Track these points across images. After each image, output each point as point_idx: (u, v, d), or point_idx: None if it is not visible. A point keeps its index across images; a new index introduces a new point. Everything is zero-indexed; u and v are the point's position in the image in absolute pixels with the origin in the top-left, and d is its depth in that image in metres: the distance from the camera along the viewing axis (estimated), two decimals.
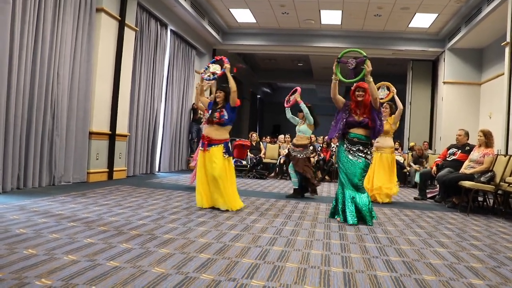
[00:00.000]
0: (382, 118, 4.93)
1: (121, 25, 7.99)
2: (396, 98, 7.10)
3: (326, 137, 13.12)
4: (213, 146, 5.12)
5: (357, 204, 4.83)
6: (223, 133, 5.17)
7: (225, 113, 5.14)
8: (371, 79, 4.81)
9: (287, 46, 13.05)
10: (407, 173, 10.72)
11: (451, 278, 2.90)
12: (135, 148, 9.05)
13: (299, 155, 7.03)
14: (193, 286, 2.44)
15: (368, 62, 4.80)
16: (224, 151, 5.12)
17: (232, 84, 5.16)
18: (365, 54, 4.88)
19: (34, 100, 6.01)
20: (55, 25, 6.38)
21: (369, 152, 4.92)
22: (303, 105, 6.96)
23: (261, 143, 12.13)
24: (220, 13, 11.67)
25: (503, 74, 8.21)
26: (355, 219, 4.78)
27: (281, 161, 11.00)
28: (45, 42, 6.17)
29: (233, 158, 10.79)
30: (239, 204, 5.33)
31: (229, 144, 5.24)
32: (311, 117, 7.01)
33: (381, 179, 6.98)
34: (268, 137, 14.23)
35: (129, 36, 8.33)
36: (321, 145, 12.42)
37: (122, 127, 8.29)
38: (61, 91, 6.60)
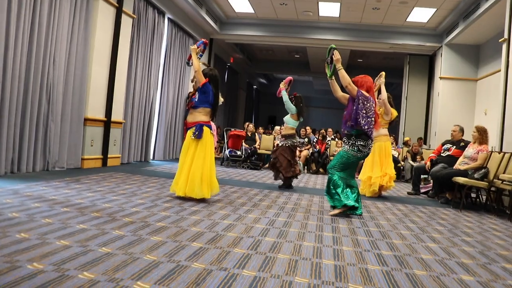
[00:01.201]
0: (362, 109, 4.83)
1: (119, 12, 7.91)
2: (382, 88, 7.00)
3: (323, 130, 13.15)
4: (188, 130, 5.05)
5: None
6: (196, 116, 5.04)
7: (196, 96, 5.08)
8: (340, 67, 4.91)
9: (285, 37, 12.98)
10: (401, 167, 10.76)
11: (441, 274, 2.93)
12: (130, 135, 9.01)
13: (281, 143, 7.09)
14: (184, 274, 2.44)
15: (335, 52, 4.93)
16: (194, 132, 4.96)
17: (194, 64, 5.09)
18: (334, 46, 5.00)
19: (29, 84, 5.96)
20: (52, 9, 6.30)
21: (351, 143, 4.91)
22: (283, 93, 6.91)
23: (256, 134, 12.13)
24: (218, 2, 11.58)
25: (499, 70, 8.23)
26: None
27: None
28: (42, 26, 6.10)
29: (227, 148, 10.92)
30: (200, 192, 4.87)
31: (204, 126, 4.99)
32: (291, 106, 6.91)
33: (368, 170, 6.98)
34: (261, 128, 14.15)
35: (126, 23, 8.26)
36: (316, 137, 12.44)
37: (117, 114, 8.24)
38: (56, 77, 6.54)
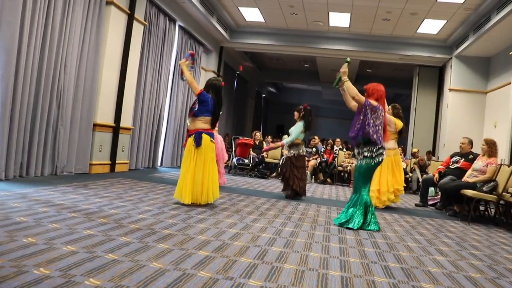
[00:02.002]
0: (370, 118, 4.81)
1: (130, 19, 7.99)
2: None
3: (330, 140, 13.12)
4: (189, 138, 5.15)
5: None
6: (196, 124, 5.15)
7: (196, 105, 5.18)
8: (346, 79, 4.89)
9: (295, 46, 13.02)
10: (409, 179, 10.69)
11: (449, 287, 2.90)
12: (138, 141, 9.06)
13: (286, 153, 7.17)
14: (190, 283, 2.43)
15: (344, 65, 4.92)
16: (194, 140, 5.07)
17: (187, 77, 5.18)
18: (348, 60, 4.99)
19: (40, 89, 6.02)
20: (65, 15, 6.38)
21: (361, 153, 4.89)
22: (285, 143, 7.10)
23: (264, 143, 12.14)
24: (228, 11, 11.66)
25: (509, 83, 8.19)
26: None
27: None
28: (54, 32, 6.17)
29: (235, 156, 10.93)
30: (203, 198, 5.07)
31: (203, 134, 5.08)
32: (296, 131, 6.97)
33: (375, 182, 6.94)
34: (270, 136, 14.18)
35: (138, 30, 8.34)
36: (324, 147, 12.41)
37: (126, 120, 8.29)
38: (67, 82, 6.60)
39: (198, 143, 5.03)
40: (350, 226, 4.73)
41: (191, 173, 5.00)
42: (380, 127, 4.81)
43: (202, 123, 5.15)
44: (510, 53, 7.93)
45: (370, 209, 4.85)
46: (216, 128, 7.09)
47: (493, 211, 6.86)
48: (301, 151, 7.03)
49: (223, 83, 5.53)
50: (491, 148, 6.57)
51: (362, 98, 4.81)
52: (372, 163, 4.84)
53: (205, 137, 5.09)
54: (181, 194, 5.04)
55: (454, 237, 4.92)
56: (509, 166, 6.38)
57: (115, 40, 7.70)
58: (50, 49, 6.14)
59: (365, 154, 4.82)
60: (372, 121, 4.75)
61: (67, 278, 2.28)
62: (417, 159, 11.02)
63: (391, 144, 6.97)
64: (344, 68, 4.90)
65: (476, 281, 3.13)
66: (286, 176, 6.99)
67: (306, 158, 10.70)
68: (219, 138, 7.17)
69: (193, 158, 5.04)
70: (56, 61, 6.30)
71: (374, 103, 4.81)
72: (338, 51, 12.77)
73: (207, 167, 5.10)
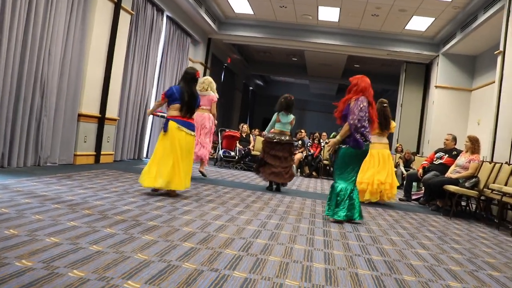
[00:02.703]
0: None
1: (117, 8, 7.87)
2: None
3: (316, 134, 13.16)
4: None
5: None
6: (169, 112, 5.30)
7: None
8: (338, 139, 4.88)
9: (283, 40, 12.99)
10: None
11: (430, 280, 2.95)
12: (124, 132, 8.98)
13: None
14: (175, 274, 2.44)
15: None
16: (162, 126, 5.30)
17: (156, 110, 6.17)
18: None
19: (23, 78, 5.89)
20: (49, 2, 6.24)
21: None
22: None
23: (251, 135, 12.13)
24: (217, 2, 11.58)
25: (494, 82, 8.29)
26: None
27: None
28: (38, 19, 6.03)
29: (221, 149, 10.91)
30: (147, 181, 5.00)
31: (170, 121, 5.15)
32: (272, 120, 7.12)
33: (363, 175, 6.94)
34: (257, 129, 14.19)
35: (125, 19, 8.22)
36: (310, 141, 12.45)
37: (112, 111, 8.21)
38: (51, 71, 6.48)
39: (164, 128, 5.18)
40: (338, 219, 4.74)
41: (157, 157, 5.08)
42: (364, 118, 4.74)
43: (172, 111, 5.25)
44: (495, 52, 8.01)
45: (339, 198, 4.78)
46: (213, 113, 7.26)
47: (474, 206, 6.98)
48: (273, 137, 6.99)
49: (198, 72, 5.47)
50: (474, 145, 6.68)
51: (346, 129, 4.76)
52: (357, 150, 4.76)
53: (171, 123, 5.16)
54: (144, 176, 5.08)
55: (436, 231, 5.00)
56: (490, 163, 6.49)
57: (101, 29, 7.58)
58: (33, 37, 5.99)
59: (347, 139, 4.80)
60: (357, 121, 4.72)
61: (50, 270, 2.26)
62: (403, 153, 11.14)
63: (374, 138, 6.94)
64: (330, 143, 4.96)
65: (455, 273, 3.19)
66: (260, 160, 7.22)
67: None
68: (210, 119, 7.24)
69: (163, 145, 5.14)
70: (39, 50, 6.15)
71: (355, 111, 4.71)
72: (326, 45, 12.79)
73: (174, 153, 5.06)
